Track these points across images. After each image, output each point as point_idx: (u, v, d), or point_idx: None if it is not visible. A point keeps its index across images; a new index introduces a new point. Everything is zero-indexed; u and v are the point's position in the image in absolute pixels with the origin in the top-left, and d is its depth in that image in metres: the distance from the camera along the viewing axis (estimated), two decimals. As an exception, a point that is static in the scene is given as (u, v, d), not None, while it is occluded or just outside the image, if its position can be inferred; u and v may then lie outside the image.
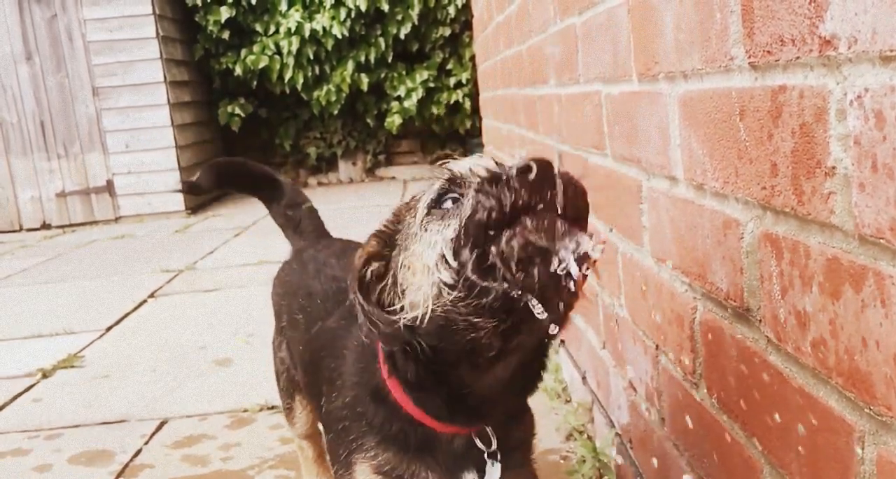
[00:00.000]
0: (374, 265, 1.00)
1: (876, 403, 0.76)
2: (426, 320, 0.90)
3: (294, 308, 1.66)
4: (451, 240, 0.84)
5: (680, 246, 1.32)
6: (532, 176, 0.79)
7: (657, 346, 1.52)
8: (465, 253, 0.83)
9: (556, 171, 0.82)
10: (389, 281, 0.98)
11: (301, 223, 1.99)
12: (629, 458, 1.82)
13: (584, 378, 2.31)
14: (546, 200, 0.80)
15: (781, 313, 0.95)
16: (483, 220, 0.81)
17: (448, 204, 0.88)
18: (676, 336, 1.39)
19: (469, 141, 9.48)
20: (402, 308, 0.93)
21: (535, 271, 0.80)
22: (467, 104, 8.97)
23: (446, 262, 0.85)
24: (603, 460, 2.01)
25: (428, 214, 0.90)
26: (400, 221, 1.01)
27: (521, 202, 0.80)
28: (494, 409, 1.09)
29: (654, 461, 1.61)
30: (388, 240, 1.01)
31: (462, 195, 0.86)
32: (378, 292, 0.99)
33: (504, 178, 0.80)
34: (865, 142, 0.74)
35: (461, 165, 0.91)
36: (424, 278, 0.88)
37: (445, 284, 0.86)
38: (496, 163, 0.88)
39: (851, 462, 0.82)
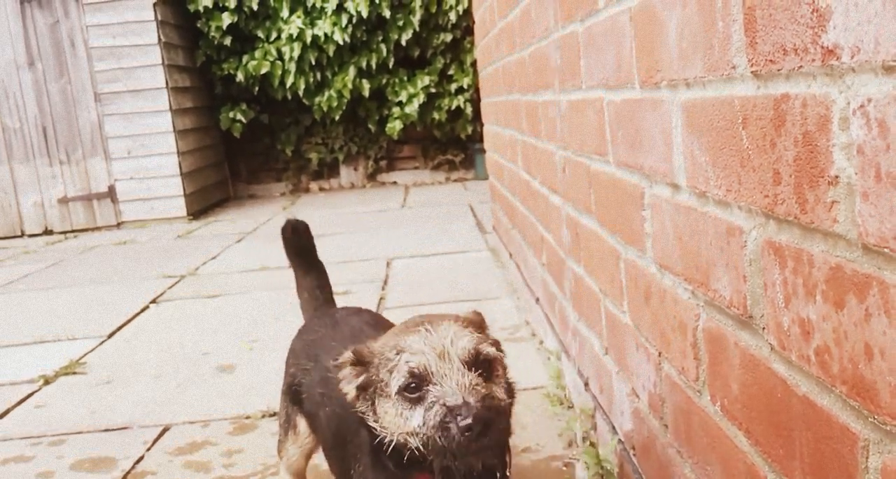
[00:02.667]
0: (355, 371, 1.35)
1: (881, 412, 0.76)
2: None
3: (323, 393, 1.73)
4: (418, 425, 1.23)
5: (683, 253, 1.32)
6: (472, 432, 1.16)
7: (660, 353, 1.52)
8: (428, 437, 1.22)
9: (489, 429, 1.18)
10: (368, 400, 1.32)
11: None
12: (632, 465, 1.82)
13: (586, 384, 2.30)
14: (475, 448, 1.19)
15: (785, 322, 0.95)
16: (441, 445, 1.20)
17: (413, 386, 1.23)
18: (679, 343, 1.39)
19: (470, 146, 9.50)
20: (375, 419, 1.32)
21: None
22: (468, 110, 8.99)
23: (415, 434, 1.24)
24: (606, 467, 2.01)
25: (398, 393, 1.24)
26: (374, 356, 1.31)
27: (461, 443, 1.18)
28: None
29: (657, 468, 1.61)
30: (365, 357, 1.33)
31: (420, 388, 1.22)
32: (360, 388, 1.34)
33: (458, 422, 1.17)
34: (869, 151, 0.74)
35: (417, 359, 1.24)
36: (395, 425, 1.27)
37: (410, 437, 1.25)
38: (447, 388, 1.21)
39: (856, 472, 0.82)
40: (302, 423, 1.86)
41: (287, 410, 1.91)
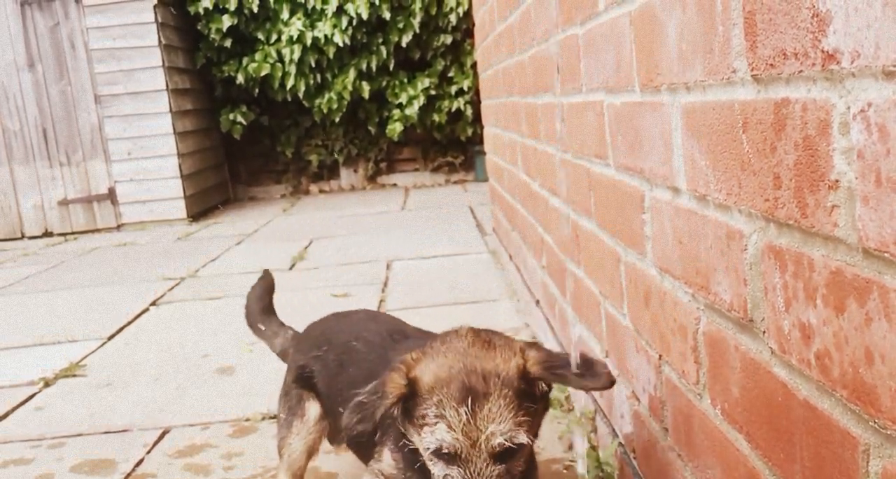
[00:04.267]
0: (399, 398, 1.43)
1: (881, 416, 0.76)
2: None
3: (344, 360, 1.81)
4: (438, 476, 1.37)
5: (683, 256, 1.32)
6: None
7: (660, 355, 1.52)
8: None
9: None
10: (409, 422, 1.42)
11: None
12: (632, 468, 1.81)
13: (586, 387, 2.30)
14: None
15: (785, 325, 0.95)
16: None
17: (443, 451, 1.35)
18: (680, 346, 1.39)
19: (470, 148, 9.50)
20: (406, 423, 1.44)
21: None
22: (469, 112, 8.99)
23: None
24: (606, 469, 2.01)
25: (432, 451, 1.36)
26: (417, 392, 1.38)
27: None
28: None
29: (658, 471, 1.61)
30: (411, 388, 1.40)
31: (447, 456, 1.34)
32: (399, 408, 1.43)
33: None
34: (869, 156, 0.74)
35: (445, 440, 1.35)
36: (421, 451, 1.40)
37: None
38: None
39: (857, 476, 0.82)
40: (312, 409, 1.86)
41: (290, 403, 1.90)
